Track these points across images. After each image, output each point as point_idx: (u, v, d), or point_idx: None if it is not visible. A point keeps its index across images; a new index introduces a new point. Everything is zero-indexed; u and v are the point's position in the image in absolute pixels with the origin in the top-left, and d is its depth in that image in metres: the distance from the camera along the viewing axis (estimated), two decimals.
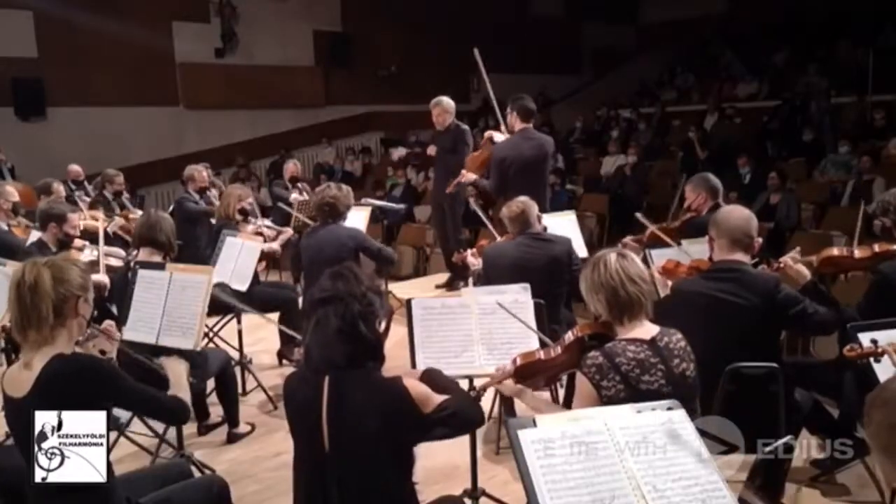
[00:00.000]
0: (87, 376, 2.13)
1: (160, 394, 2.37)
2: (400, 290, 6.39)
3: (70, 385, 2.09)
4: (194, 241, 5.99)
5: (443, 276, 6.66)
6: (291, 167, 7.80)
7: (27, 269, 2.16)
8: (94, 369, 2.16)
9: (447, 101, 6.19)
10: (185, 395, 2.44)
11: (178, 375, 2.49)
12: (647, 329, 2.26)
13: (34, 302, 2.12)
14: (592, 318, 2.45)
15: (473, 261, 4.45)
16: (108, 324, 2.60)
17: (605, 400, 2.13)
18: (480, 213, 5.22)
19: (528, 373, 2.41)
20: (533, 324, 2.89)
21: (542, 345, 2.65)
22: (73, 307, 2.18)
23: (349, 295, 2.03)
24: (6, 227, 5.11)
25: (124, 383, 2.21)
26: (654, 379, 2.16)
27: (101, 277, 4.12)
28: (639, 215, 4.52)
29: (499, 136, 5.51)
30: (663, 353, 2.21)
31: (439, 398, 2.08)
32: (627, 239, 4.38)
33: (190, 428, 4.07)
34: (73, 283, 2.18)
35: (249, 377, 4.77)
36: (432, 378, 2.22)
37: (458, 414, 2.10)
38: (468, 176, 5.57)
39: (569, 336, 2.37)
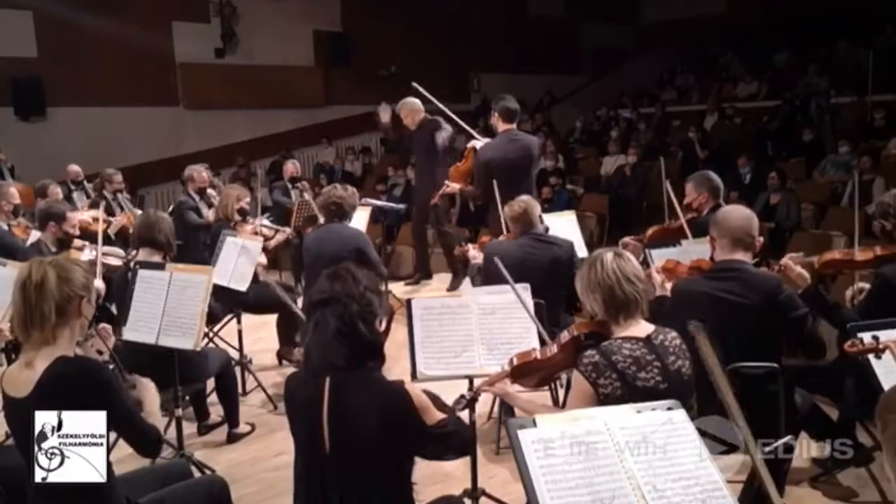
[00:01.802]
0: (87, 381, 2.12)
1: (145, 421, 2.31)
2: (400, 290, 6.40)
3: (71, 387, 2.09)
4: (194, 241, 5.98)
5: (443, 277, 6.66)
6: (290, 167, 7.86)
7: (34, 268, 2.16)
8: (94, 376, 2.15)
9: (412, 101, 6.23)
10: (159, 423, 2.40)
11: (152, 403, 2.44)
12: (642, 327, 2.28)
13: (38, 301, 2.12)
14: (588, 318, 2.45)
15: (475, 254, 4.45)
16: (103, 326, 2.60)
17: (603, 398, 2.14)
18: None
19: (525, 372, 2.41)
20: (535, 323, 2.88)
21: (542, 341, 2.65)
22: (77, 307, 2.18)
23: (347, 296, 2.03)
24: (6, 228, 5.10)
25: (118, 398, 2.18)
26: (650, 376, 2.18)
27: (98, 283, 4.11)
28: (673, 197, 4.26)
29: (479, 146, 5.36)
30: (658, 351, 2.22)
31: (440, 415, 2.08)
32: (627, 239, 4.35)
33: (190, 428, 4.08)
34: (77, 283, 2.19)
35: (249, 377, 4.77)
36: (432, 397, 2.21)
37: (457, 434, 2.11)
38: (452, 186, 5.54)
39: (565, 335, 2.37)
